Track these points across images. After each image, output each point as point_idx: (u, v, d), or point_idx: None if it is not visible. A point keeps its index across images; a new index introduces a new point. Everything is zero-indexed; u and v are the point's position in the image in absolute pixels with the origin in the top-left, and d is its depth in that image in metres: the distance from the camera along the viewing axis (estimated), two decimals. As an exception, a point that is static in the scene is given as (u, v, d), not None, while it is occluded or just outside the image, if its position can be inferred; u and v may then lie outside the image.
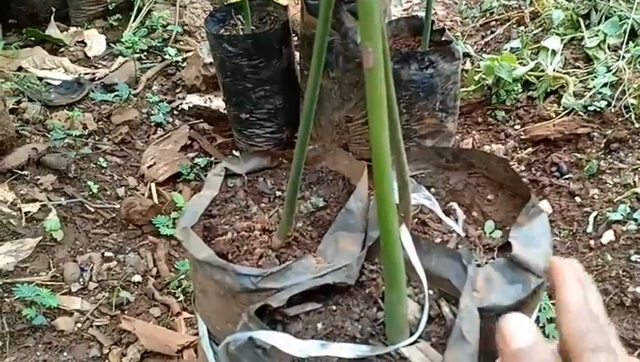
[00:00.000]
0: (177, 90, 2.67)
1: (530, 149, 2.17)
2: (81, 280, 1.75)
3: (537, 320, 1.58)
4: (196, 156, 2.32)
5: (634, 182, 1.83)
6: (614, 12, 2.42)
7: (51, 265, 1.76)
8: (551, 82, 2.31)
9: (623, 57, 2.25)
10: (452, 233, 1.18)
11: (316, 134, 2.35)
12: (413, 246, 0.97)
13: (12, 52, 2.74)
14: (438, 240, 1.17)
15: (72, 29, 2.97)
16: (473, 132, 2.37)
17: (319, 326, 0.93)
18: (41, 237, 1.78)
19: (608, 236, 1.71)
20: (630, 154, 1.94)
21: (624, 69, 2.17)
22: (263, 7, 2.28)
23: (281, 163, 1.31)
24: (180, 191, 2.11)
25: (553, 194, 1.95)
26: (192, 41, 2.92)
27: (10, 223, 1.78)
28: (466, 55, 2.80)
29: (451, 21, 3.36)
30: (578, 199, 1.88)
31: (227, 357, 0.87)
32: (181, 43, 2.91)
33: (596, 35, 2.42)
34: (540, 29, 2.72)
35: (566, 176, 1.98)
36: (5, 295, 1.63)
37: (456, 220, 1.20)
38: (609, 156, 1.97)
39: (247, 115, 2.27)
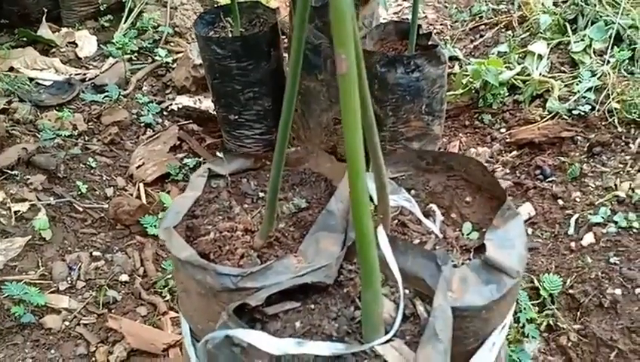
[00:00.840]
0: (167, 91, 2.69)
1: (515, 152, 2.20)
2: (69, 278, 1.77)
3: (517, 320, 1.60)
4: (185, 157, 2.33)
5: (615, 185, 1.86)
6: (600, 17, 2.46)
7: (40, 264, 1.78)
8: (537, 86, 2.34)
9: (608, 62, 2.28)
10: (431, 234, 1.20)
11: (305, 136, 2.38)
12: (390, 246, 0.99)
13: (3, 52, 2.75)
14: (417, 241, 1.20)
15: (64, 30, 2.98)
16: (460, 135, 2.40)
17: (297, 324, 0.96)
18: (30, 236, 1.80)
19: (589, 238, 1.74)
20: (612, 158, 1.97)
21: (608, 74, 2.20)
22: (252, 9, 2.30)
23: (265, 164, 1.33)
24: (168, 192, 2.13)
25: (537, 196, 1.98)
26: (183, 43, 2.94)
27: (0, 222, 1.80)
28: (455, 59, 2.83)
29: (441, 24, 3.39)
30: (560, 202, 1.91)
31: (206, 355, 0.89)
32: (172, 44, 2.93)
33: (582, 40, 2.45)
34: (528, 33, 2.75)
35: (549, 179, 2.01)
36: (-7, 293, 1.64)
37: (435, 221, 1.23)
38: (592, 159, 2.00)
39: (236, 117, 2.29)
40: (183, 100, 2.56)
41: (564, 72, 2.40)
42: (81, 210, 1.98)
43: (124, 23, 2.96)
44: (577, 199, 1.89)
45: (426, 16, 3.46)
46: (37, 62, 2.72)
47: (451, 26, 3.33)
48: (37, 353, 1.57)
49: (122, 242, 1.94)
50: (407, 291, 0.99)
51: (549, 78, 2.36)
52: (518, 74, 2.43)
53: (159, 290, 1.77)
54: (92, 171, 2.15)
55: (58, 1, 3.06)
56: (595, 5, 2.48)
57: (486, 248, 1.07)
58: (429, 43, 2.01)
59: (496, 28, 3.00)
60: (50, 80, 2.60)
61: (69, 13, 3.05)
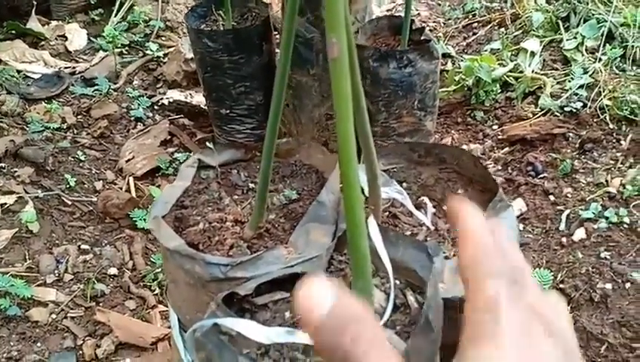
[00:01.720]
0: (158, 85, 2.67)
1: (507, 149, 2.20)
2: (56, 271, 1.75)
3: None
4: (176, 151, 2.31)
5: (606, 181, 1.87)
6: (592, 15, 2.46)
7: (27, 257, 1.75)
8: (529, 83, 2.34)
9: (600, 59, 2.29)
10: (422, 226, 1.19)
11: (296, 131, 2.36)
12: (381, 237, 0.98)
13: (-9, 44, 2.72)
14: (408, 232, 1.19)
15: (54, 23, 2.95)
16: (452, 131, 2.39)
17: (287, 314, 0.95)
18: (17, 229, 1.77)
19: (580, 234, 1.74)
20: (604, 154, 1.97)
21: (600, 71, 2.21)
22: (244, 3, 2.29)
23: (255, 155, 1.32)
24: (159, 186, 2.11)
25: (528, 192, 1.98)
26: (174, 37, 2.92)
27: (-14, 215, 1.77)
28: (448, 56, 2.83)
29: (434, 22, 3.39)
30: (552, 198, 1.91)
31: (194, 344, 0.88)
32: (163, 38, 2.91)
33: (574, 38, 2.46)
34: (521, 30, 2.75)
35: (541, 176, 2.01)
36: (-21, 286, 1.62)
37: (427, 213, 1.22)
38: (583, 156, 2.00)
39: (228, 111, 2.27)
40: (174, 94, 2.54)
41: (557, 69, 2.40)
42: (69, 203, 1.96)
43: (115, 16, 2.93)
44: (569, 195, 1.89)
45: (418, 14, 3.45)
46: (26, 55, 2.69)
47: (444, 24, 3.32)
48: (22, 346, 1.55)
49: (111, 235, 1.91)
50: (397, 281, 0.98)
51: (542, 75, 2.36)
52: (510, 71, 2.43)
53: (148, 284, 1.76)
54: (81, 164, 2.13)
55: (48, -6, 3.03)
56: (588, 3, 2.49)
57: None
58: (422, 38, 2.00)
59: (489, 25, 3.00)
60: (39, 73, 2.57)
61: (58, 6, 3.02)
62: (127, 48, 2.82)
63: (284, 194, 1.24)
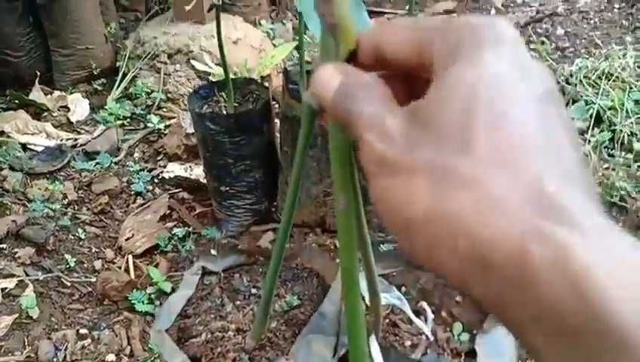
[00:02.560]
0: (159, 158, 2.72)
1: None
2: (55, 359, 1.74)
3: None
4: (174, 226, 2.34)
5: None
6: (581, 97, 2.56)
7: (26, 344, 1.75)
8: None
9: (589, 141, 2.36)
10: (422, 335, 1.22)
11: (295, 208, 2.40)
12: (382, 358, 1.01)
13: (-5, 115, 2.77)
14: (408, 342, 1.21)
15: (56, 93, 3.02)
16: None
17: None
18: (17, 315, 1.78)
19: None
20: (595, 239, 2.01)
21: (590, 154, 2.28)
22: (245, 85, 2.36)
23: (257, 259, 1.35)
24: (157, 265, 2.12)
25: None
26: (175, 108, 2.99)
27: (-15, 299, 1.78)
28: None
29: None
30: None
31: None
32: (164, 110, 2.97)
33: (564, 118, 2.54)
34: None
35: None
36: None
37: (426, 320, 1.25)
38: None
39: (227, 188, 2.32)
40: (175, 168, 2.58)
41: (548, 149, 2.47)
42: (68, 284, 1.97)
43: (117, 88, 3.00)
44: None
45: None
46: (28, 127, 2.74)
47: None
48: None
49: (109, 318, 1.92)
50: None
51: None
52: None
53: (146, 372, 1.75)
54: (81, 243, 2.15)
55: (51, 64, 3.10)
56: (576, 85, 2.58)
57: (477, 354, 1.09)
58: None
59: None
60: (42, 145, 2.62)
61: (62, 76, 3.09)
62: (128, 120, 2.87)
63: (285, 300, 1.26)
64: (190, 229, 2.33)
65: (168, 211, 2.42)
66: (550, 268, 0.25)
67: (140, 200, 2.45)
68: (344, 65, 0.36)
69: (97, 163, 2.53)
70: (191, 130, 2.62)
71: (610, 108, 2.43)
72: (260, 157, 2.30)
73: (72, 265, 2.03)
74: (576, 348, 0.25)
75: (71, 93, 3.05)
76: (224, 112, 2.25)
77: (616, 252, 0.26)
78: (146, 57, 3.02)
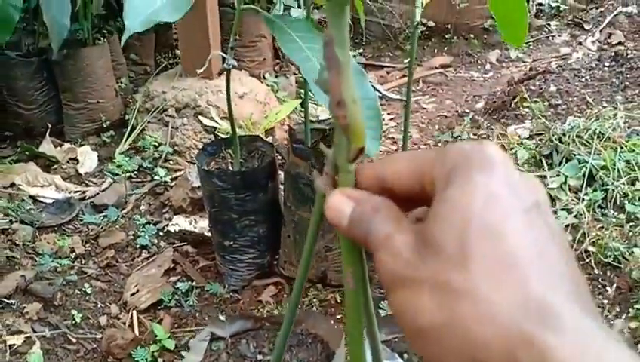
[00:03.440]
0: (164, 211, 2.78)
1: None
2: (59, 418, 1.77)
3: None
4: (178, 280, 2.38)
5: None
6: (574, 155, 2.64)
7: (30, 401, 1.78)
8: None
9: (583, 200, 2.43)
10: (421, 403, 1.26)
11: (297, 261, 2.46)
12: None
13: (5, 166, 2.84)
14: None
15: (66, 145, 3.10)
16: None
17: None
18: (23, 373, 1.81)
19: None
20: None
21: (584, 213, 2.35)
22: (251, 142, 2.45)
23: (264, 324, 1.40)
24: (160, 321, 2.16)
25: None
26: (182, 161, 3.07)
27: (-6, 356, 1.82)
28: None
29: (425, 145, 3.58)
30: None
31: None
32: (171, 162, 3.06)
33: (557, 176, 2.62)
34: (508, 163, 2.92)
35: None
36: None
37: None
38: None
39: (231, 242, 2.38)
40: (180, 221, 2.64)
41: (543, 206, 2.54)
42: (74, 341, 2.01)
43: (125, 141, 3.09)
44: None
45: (410, 136, 3.65)
46: (38, 179, 2.81)
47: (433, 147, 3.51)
48: None
49: (114, 376, 1.95)
50: None
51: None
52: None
53: None
54: (87, 298, 2.19)
55: (62, 116, 3.20)
56: (569, 144, 2.67)
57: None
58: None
59: (478, 155, 3.18)
60: (51, 198, 2.69)
61: (72, 128, 3.19)
62: (135, 173, 2.95)
63: (289, 368, 1.30)
64: (194, 284, 2.38)
65: (172, 265, 2.47)
66: None
67: (145, 254, 2.51)
68: (352, 191, 0.42)
69: (105, 216, 2.59)
70: (197, 183, 2.70)
71: (602, 168, 2.50)
72: (264, 213, 2.37)
73: (78, 320, 2.07)
74: None
75: (80, 145, 3.14)
76: (230, 169, 2.33)
77: (593, 350, 0.29)
78: (154, 111, 3.12)
